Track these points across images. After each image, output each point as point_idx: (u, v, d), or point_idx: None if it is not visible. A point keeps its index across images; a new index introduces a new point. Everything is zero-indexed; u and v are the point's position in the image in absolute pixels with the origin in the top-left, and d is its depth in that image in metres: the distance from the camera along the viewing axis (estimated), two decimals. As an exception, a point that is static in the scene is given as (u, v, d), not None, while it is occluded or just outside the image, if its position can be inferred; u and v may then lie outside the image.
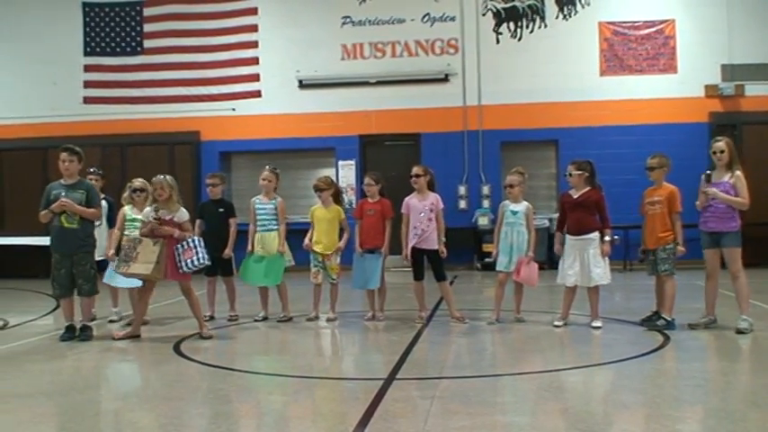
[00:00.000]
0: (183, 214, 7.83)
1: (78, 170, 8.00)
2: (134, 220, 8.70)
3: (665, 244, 7.85)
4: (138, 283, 8.12)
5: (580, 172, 8.14)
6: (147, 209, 7.98)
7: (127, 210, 8.80)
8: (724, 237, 7.53)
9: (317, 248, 8.85)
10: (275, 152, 15.63)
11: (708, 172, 7.66)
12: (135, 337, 7.86)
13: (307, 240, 8.93)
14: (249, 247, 8.93)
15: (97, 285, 8.04)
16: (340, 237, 8.98)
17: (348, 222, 9.11)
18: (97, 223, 8.37)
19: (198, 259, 7.59)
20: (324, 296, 9.02)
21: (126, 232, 8.66)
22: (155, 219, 7.67)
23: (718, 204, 7.51)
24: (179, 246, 7.62)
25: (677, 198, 7.88)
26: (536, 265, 8.45)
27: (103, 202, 8.74)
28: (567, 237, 8.13)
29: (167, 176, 7.91)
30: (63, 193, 7.70)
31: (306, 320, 8.85)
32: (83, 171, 8.15)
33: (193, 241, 7.66)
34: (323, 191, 8.93)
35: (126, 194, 8.96)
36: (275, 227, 8.93)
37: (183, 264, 7.58)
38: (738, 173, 7.55)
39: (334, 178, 15.31)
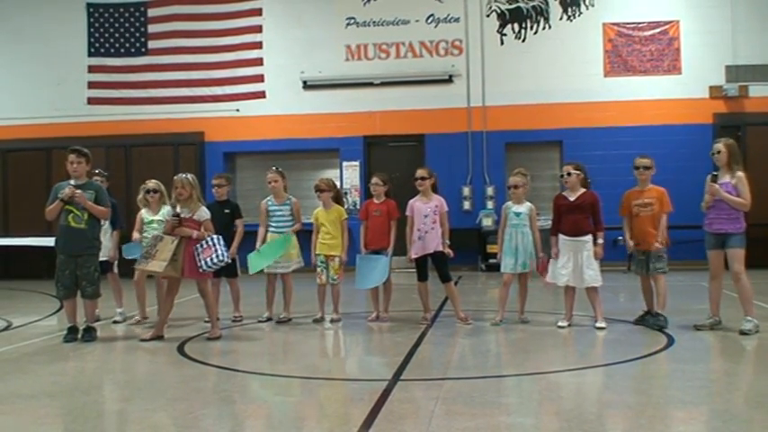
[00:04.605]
0: (203, 213, 7.85)
1: (87, 171, 8.01)
2: (151, 221, 8.77)
3: (661, 244, 7.89)
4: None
5: (578, 172, 8.16)
6: (168, 208, 8.01)
7: (143, 213, 8.90)
8: (729, 238, 7.53)
9: (321, 250, 8.86)
10: (279, 153, 15.66)
11: (714, 173, 7.66)
12: (159, 337, 7.86)
13: (313, 245, 8.95)
14: (258, 245, 8.94)
15: (100, 288, 8.04)
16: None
17: (348, 224, 9.10)
18: (102, 223, 8.39)
19: (217, 256, 7.58)
20: (328, 297, 9.02)
21: (145, 234, 8.72)
22: (174, 216, 7.68)
23: (723, 205, 7.51)
24: (198, 246, 7.62)
25: (668, 198, 7.98)
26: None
27: None
28: (562, 237, 8.13)
29: (188, 175, 7.94)
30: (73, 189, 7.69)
31: (312, 321, 8.85)
32: (88, 172, 8.13)
33: (212, 239, 7.65)
34: (323, 191, 8.93)
35: (140, 196, 9.02)
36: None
37: (203, 263, 7.57)
38: (740, 174, 7.55)
39: (338, 179, 15.50)
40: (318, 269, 8.92)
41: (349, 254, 9.15)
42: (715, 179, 7.58)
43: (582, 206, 8.07)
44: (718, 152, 7.66)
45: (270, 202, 9.08)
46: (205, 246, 7.61)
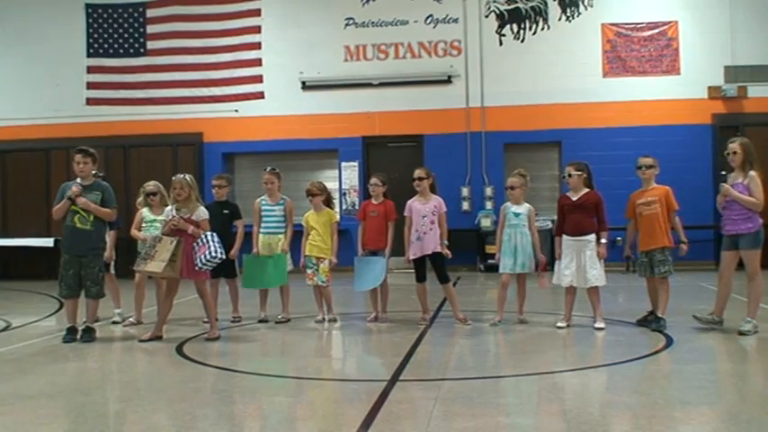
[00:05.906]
0: (201, 213, 7.86)
1: (92, 172, 7.99)
2: (154, 220, 8.78)
3: (664, 245, 7.85)
4: None
5: (579, 173, 8.15)
6: (168, 208, 8.03)
7: (145, 211, 8.93)
8: (741, 238, 7.49)
9: (311, 251, 8.86)
10: (278, 153, 15.67)
11: (723, 173, 7.65)
12: (158, 338, 7.86)
13: (303, 247, 8.97)
14: (255, 249, 8.95)
15: (104, 288, 8.06)
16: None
17: (340, 227, 9.10)
18: None
19: (210, 253, 7.56)
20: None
21: (144, 232, 8.72)
22: (175, 217, 7.69)
23: (735, 206, 7.49)
24: (194, 244, 7.62)
25: (673, 196, 7.93)
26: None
27: None
28: (565, 237, 8.13)
29: (187, 176, 7.95)
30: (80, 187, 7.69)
31: (314, 322, 8.84)
32: None
33: (206, 237, 7.65)
34: (315, 195, 8.93)
35: (140, 199, 9.03)
36: (282, 231, 8.96)
37: (198, 260, 7.57)
38: (752, 173, 7.49)
39: (337, 179, 15.53)
40: (309, 270, 8.89)
41: (347, 254, 9.14)
42: (724, 179, 7.58)
43: (584, 206, 8.05)
44: (734, 153, 7.60)
45: (263, 202, 9.08)
46: (201, 244, 7.61)
